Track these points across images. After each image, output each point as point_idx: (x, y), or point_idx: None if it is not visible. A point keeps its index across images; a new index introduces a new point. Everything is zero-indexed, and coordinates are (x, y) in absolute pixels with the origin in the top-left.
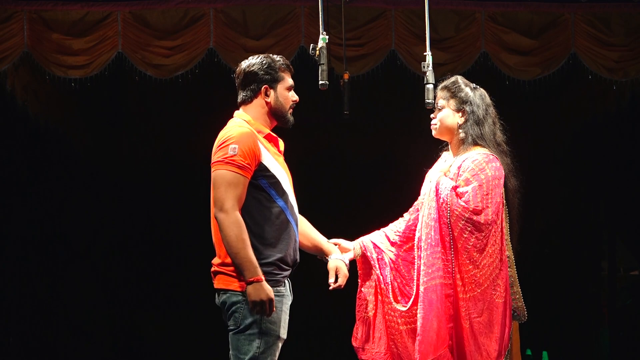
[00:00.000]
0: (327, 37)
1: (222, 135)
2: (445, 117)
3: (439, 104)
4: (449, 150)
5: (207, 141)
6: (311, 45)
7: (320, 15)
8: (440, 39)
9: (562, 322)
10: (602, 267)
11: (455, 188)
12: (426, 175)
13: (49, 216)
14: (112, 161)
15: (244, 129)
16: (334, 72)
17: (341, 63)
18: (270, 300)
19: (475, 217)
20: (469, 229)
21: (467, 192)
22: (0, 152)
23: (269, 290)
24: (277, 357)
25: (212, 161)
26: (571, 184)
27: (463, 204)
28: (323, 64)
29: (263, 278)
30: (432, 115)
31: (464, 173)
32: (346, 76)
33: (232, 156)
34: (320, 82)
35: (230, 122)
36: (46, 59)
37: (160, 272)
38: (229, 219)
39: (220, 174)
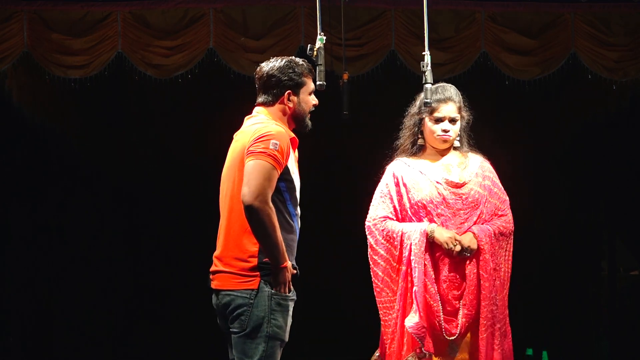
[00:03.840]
0: (324, 37)
1: (260, 129)
2: (458, 129)
3: (456, 117)
4: (414, 158)
5: (207, 141)
6: (309, 45)
7: (317, 16)
8: (440, 39)
9: (562, 322)
10: (602, 267)
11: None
12: (402, 181)
13: (48, 216)
14: (111, 161)
15: (280, 128)
16: (334, 73)
17: (341, 63)
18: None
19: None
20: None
21: (506, 214)
22: None
23: (291, 270)
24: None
25: (250, 150)
26: (571, 184)
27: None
28: (321, 64)
29: (288, 259)
30: (444, 128)
31: (490, 175)
32: (346, 76)
33: (273, 150)
34: (318, 83)
35: (256, 118)
36: (46, 59)
37: (160, 272)
38: (268, 209)
39: (263, 165)
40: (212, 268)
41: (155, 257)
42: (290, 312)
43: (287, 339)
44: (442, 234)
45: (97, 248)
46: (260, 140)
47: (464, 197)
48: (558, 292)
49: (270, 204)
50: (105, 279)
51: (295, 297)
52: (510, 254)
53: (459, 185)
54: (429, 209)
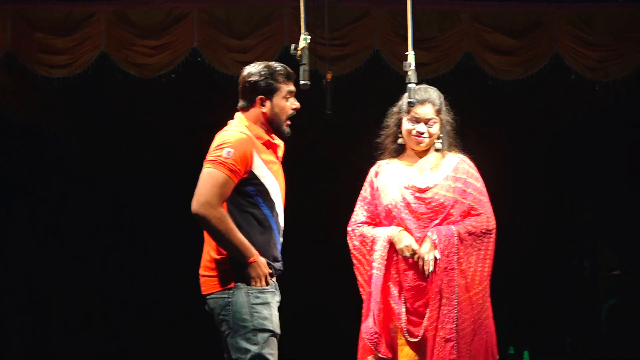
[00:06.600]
0: (308, 37)
1: (221, 137)
2: (436, 131)
3: (431, 119)
4: (394, 159)
5: (190, 140)
6: (292, 45)
7: (302, 15)
8: (424, 38)
9: (544, 321)
10: (583, 266)
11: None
12: (379, 183)
13: (33, 215)
14: (94, 160)
15: (242, 135)
16: (318, 72)
17: (324, 63)
18: (267, 274)
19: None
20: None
21: (480, 213)
22: None
23: (264, 264)
24: (277, 352)
25: (206, 158)
26: (553, 183)
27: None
28: (305, 64)
29: (257, 254)
30: (419, 129)
31: (464, 176)
32: (329, 76)
33: (225, 159)
34: (302, 82)
35: (231, 125)
36: (30, 58)
37: (152, 274)
38: (216, 214)
39: (210, 172)
40: (199, 273)
41: (143, 257)
42: (273, 305)
43: (278, 330)
44: (400, 241)
45: (81, 246)
46: (216, 148)
47: (427, 201)
48: (539, 292)
49: (219, 209)
50: (94, 278)
51: (274, 290)
52: (488, 253)
53: (422, 190)
54: (394, 213)
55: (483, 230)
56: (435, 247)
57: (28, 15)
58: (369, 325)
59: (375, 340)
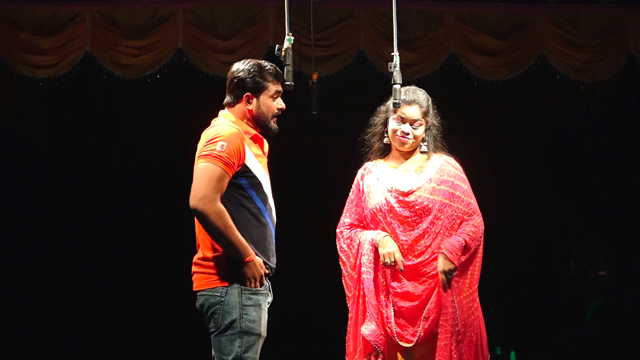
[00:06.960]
0: (292, 37)
1: (212, 132)
2: (421, 133)
3: (417, 120)
4: (380, 160)
5: (176, 141)
6: (276, 45)
7: (286, 16)
8: (409, 39)
9: (531, 322)
10: (569, 267)
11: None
12: (366, 185)
13: (16, 217)
14: (79, 161)
15: (233, 129)
16: (303, 73)
17: (310, 64)
18: (263, 274)
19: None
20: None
21: (473, 217)
22: None
23: (261, 264)
24: (258, 356)
25: (199, 154)
26: (540, 184)
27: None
28: (289, 64)
29: (254, 253)
30: (404, 130)
31: (451, 178)
32: (315, 77)
33: (220, 152)
34: (286, 83)
35: (217, 121)
36: (14, 59)
37: (142, 274)
38: (215, 208)
39: (206, 167)
40: (192, 269)
41: (130, 258)
42: (264, 307)
43: (264, 333)
44: (384, 247)
45: (61, 250)
46: (209, 143)
47: (410, 205)
48: (528, 293)
49: (218, 204)
50: (87, 278)
51: (267, 292)
52: (480, 255)
53: (405, 194)
54: (379, 217)
55: (479, 234)
56: (454, 264)
57: (12, 15)
58: (372, 328)
59: (381, 341)
